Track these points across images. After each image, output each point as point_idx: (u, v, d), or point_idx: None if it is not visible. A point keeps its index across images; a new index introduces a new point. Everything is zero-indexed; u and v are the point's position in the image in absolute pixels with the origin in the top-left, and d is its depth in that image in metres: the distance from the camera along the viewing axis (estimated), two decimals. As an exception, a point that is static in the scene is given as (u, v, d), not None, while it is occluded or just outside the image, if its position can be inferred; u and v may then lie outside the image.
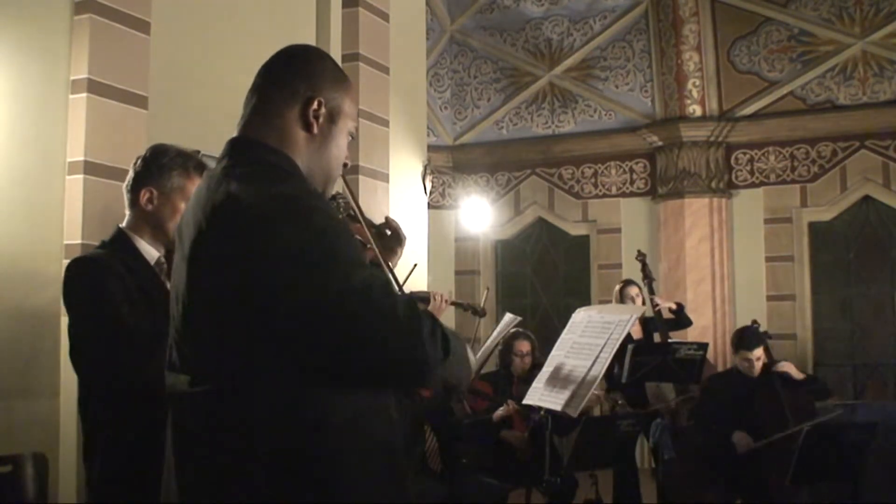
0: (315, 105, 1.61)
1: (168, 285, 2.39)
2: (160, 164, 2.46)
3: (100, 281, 2.29)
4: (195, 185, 2.43)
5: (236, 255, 1.44)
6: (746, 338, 5.12)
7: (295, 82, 1.62)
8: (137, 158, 2.52)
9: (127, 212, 2.49)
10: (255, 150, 1.58)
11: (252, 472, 1.44)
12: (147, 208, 2.44)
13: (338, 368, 1.43)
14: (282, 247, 1.41)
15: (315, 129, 1.62)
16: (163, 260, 2.45)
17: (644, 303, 6.22)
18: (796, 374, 5.13)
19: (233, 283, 1.44)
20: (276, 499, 1.44)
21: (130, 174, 2.50)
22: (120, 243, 2.44)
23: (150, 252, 2.44)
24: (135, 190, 2.46)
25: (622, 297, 6.21)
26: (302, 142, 1.61)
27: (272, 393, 1.44)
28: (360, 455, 1.49)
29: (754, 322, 5.48)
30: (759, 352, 5.07)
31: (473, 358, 1.63)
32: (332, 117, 1.64)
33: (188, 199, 2.40)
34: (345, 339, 1.40)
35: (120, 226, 2.50)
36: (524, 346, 5.56)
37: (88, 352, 2.32)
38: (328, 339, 1.40)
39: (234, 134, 1.66)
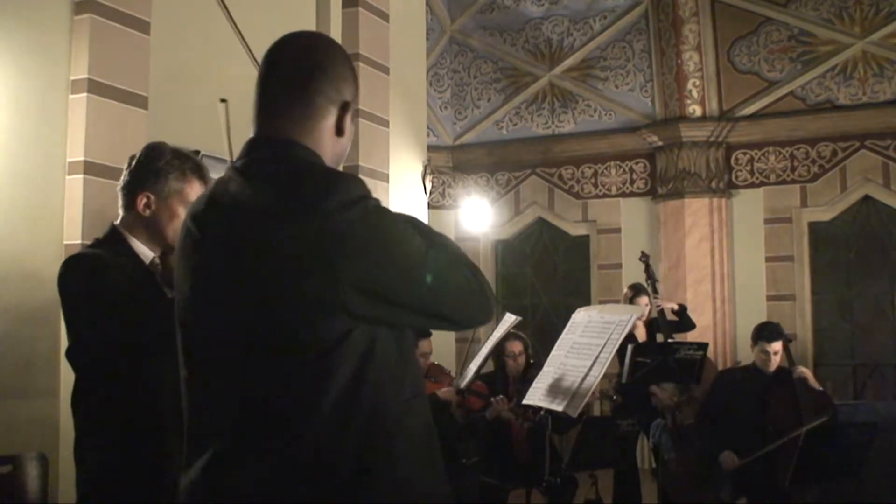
0: (348, 111, 1.65)
1: (163, 286, 2.39)
2: (156, 168, 2.40)
3: (98, 277, 2.26)
4: (193, 189, 2.40)
5: (318, 255, 1.45)
6: (767, 330, 5.14)
7: (332, 90, 1.62)
8: (131, 158, 2.45)
9: (121, 211, 2.44)
10: (299, 152, 1.58)
11: (303, 474, 1.44)
12: (145, 213, 2.39)
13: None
14: (368, 249, 1.46)
15: (344, 133, 1.65)
16: (157, 261, 2.41)
17: (651, 308, 6.22)
18: (814, 383, 5.14)
19: (316, 280, 1.44)
20: (333, 485, 1.44)
21: (125, 175, 2.44)
22: (114, 242, 2.39)
23: (145, 252, 2.40)
24: (130, 194, 2.41)
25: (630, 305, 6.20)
26: (329, 143, 1.63)
27: (338, 376, 1.45)
28: (415, 437, 1.53)
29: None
30: (777, 346, 5.08)
31: None
32: (352, 116, 1.68)
33: (186, 202, 2.36)
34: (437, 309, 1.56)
35: (114, 223, 2.45)
36: (516, 346, 5.57)
37: (87, 348, 2.28)
38: (420, 313, 1.55)
39: (251, 127, 1.64)
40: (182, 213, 2.37)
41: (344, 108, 1.63)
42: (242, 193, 1.54)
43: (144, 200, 2.38)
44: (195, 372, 1.58)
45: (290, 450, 1.44)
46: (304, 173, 1.54)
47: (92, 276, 2.27)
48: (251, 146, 1.62)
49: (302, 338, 1.45)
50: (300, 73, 1.62)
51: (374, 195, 1.55)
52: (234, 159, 1.65)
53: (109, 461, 2.24)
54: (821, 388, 5.19)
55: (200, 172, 2.46)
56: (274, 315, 1.46)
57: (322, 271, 1.44)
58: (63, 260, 2.35)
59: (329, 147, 1.63)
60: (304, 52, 1.64)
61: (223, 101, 2.56)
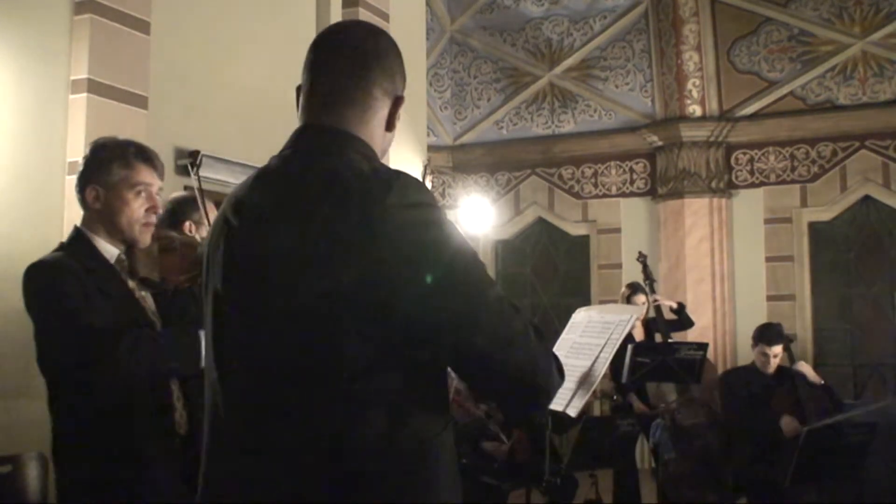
0: (400, 105, 1.59)
1: (129, 283, 2.35)
2: (99, 160, 2.37)
3: (57, 285, 2.23)
4: (140, 174, 2.36)
5: (360, 261, 1.35)
6: (769, 333, 5.14)
7: (387, 83, 1.56)
8: (83, 157, 2.45)
9: (79, 212, 2.43)
10: (355, 145, 1.51)
11: (353, 474, 1.38)
12: (95, 206, 2.36)
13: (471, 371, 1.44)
14: (432, 256, 1.36)
15: (394, 128, 1.60)
16: (123, 257, 2.38)
17: (648, 307, 6.22)
18: (814, 377, 5.14)
19: (355, 291, 1.35)
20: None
21: (76, 174, 2.43)
22: (78, 244, 2.37)
23: (109, 250, 2.37)
24: (81, 190, 2.39)
25: (628, 304, 6.22)
26: (380, 137, 1.57)
27: (384, 391, 1.37)
28: (451, 451, 1.47)
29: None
30: (777, 349, 5.09)
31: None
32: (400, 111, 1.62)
33: (134, 188, 2.34)
34: (479, 351, 1.39)
35: (77, 225, 2.43)
36: None
37: (51, 356, 2.27)
38: (465, 348, 1.39)
39: (301, 121, 1.57)
40: (132, 199, 2.36)
41: (396, 103, 1.58)
42: (288, 187, 1.46)
43: (93, 194, 2.36)
44: (226, 376, 1.50)
45: (331, 465, 1.37)
46: (359, 170, 1.43)
47: (48, 287, 2.25)
48: (302, 134, 1.53)
49: (343, 351, 1.36)
50: (359, 64, 1.54)
51: (438, 203, 1.44)
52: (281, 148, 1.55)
53: (84, 462, 2.24)
54: (822, 383, 5.19)
55: (145, 155, 2.41)
56: (314, 325, 1.37)
57: (364, 280, 1.34)
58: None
59: (379, 141, 1.56)
60: (363, 42, 1.56)
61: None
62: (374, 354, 1.36)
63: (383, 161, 1.57)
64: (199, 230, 3.04)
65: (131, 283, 2.38)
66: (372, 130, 1.54)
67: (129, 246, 2.39)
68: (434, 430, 1.43)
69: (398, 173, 1.43)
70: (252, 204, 1.49)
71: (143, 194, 2.37)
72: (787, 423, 4.86)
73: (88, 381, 2.22)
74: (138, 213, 2.37)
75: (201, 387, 2.30)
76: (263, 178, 1.52)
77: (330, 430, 1.37)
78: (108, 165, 2.36)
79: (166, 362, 2.27)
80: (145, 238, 2.40)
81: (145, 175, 2.39)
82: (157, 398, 2.30)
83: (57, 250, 2.38)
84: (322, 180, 1.43)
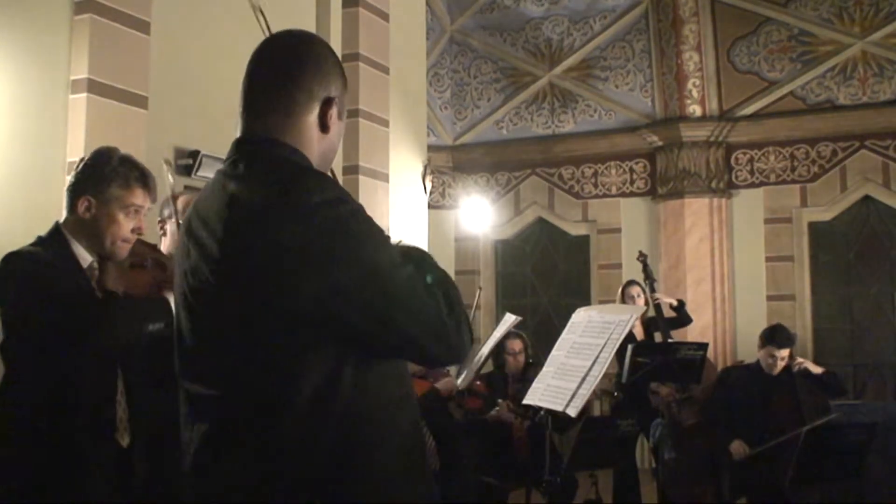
0: (332, 106, 1.62)
1: (96, 294, 2.39)
2: (101, 174, 2.41)
3: (38, 271, 2.27)
4: (135, 197, 2.43)
5: (274, 263, 1.43)
6: (779, 336, 5.13)
7: (314, 84, 1.60)
8: (80, 161, 2.48)
9: (65, 212, 2.45)
10: (279, 150, 1.57)
11: (282, 470, 1.45)
12: (84, 217, 2.40)
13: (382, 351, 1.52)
14: (326, 257, 1.43)
15: (329, 130, 1.63)
16: (95, 265, 2.42)
17: (646, 302, 6.22)
18: (815, 368, 5.17)
19: (272, 289, 1.44)
20: (308, 496, 1.45)
21: (71, 177, 2.46)
22: (56, 242, 2.40)
23: (84, 256, 2.41)
24: (73, 196, 2.42)
25: (623, 297, 6.23)
26: (315, 141, 1.61)
27: (309, 377, 1.44)
28: (399, 437, 1.52)
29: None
30: (786, 353, 5.10)
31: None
32: (339, 113, 1.65)
33: (127, 209, 2.41)
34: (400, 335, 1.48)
35: (58, 222, 2.46)
36: (516, 344, 5.59)
37: (14, 346, 2.29)
38: (381, 332, 1.48)
39: (238, 130, 1.63)
40: (122, 219, 2.42)
41: (327, 104, 1.61)
42: (218, 197, 1.54)
43: (85, 204, 2.40)
44: (185, 371, 1.59)
45: (265, 445, 1.45)
46: (273, 173, 1.52)
47: (30, 272, 2.28)
48: (236, 146, 1.61)
49: (268, 342, 1.45)
50: (280, 70, 1.61)
51: (353, 198, 1.51)
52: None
53: (23, 454, 2.25)
54: (822, 371, 5.20)
55: (145, 181, 2.47)
56: (241, 319, 1.47)
57: (278, 279, 1.43)
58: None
59: (314, 144, 1.61)
60: (284, 50, 1.64)
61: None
62: (302, 340, 1.44)
63: (327, 161, 1.65)
64: (164, 230, 3.06)
65: (98, 295, 2.41)
66: (303, 134, 1.60)
67: (102, 257, 2.44)
68: (381, 395, 1.50)
69: (304, 173, 1.52)
70: (191, 223, 1.58)
71: (132, 215, 2.44)
72: (736, 447, 4.90)
73: (51, 370, 2.24)
74: (125, 232, 2.43)
75: (147, 404, 2.35)
76: (205, 192, 1.61)
77: (271, 406, 1.46)
78: (107, 182, 2.41)
79: (148, 321, 2.34)
80: (122, 253, 2.45)
81: (140, 198, 2.45)
82: (101, 408, 2.32)
83: (34, 244, 2.42)
84: (243, 191, 1.51)
